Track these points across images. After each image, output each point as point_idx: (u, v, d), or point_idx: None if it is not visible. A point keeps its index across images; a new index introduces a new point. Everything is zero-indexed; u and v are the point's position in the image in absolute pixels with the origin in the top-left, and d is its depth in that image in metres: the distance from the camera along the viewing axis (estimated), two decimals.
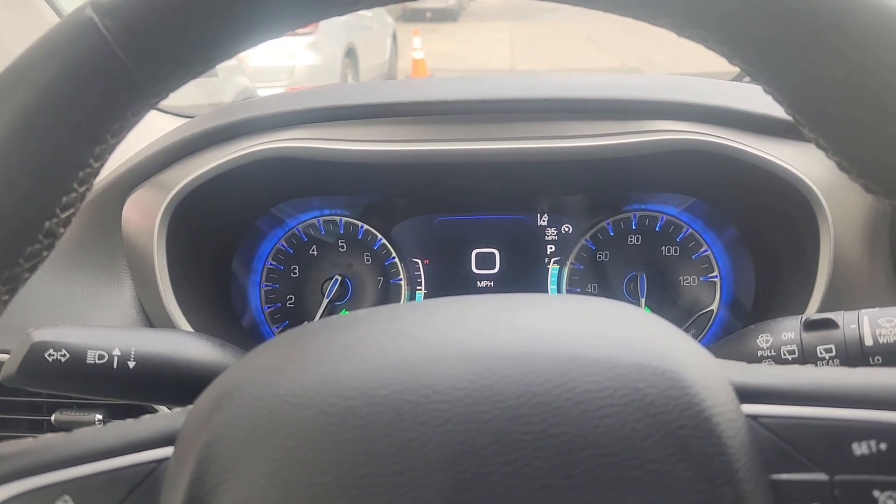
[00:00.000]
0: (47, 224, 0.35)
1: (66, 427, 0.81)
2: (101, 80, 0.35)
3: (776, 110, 0.82)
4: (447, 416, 0.32)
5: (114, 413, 0.84)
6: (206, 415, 0.35)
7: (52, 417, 0.82)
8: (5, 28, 1.12)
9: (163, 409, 0.80)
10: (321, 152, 0.86)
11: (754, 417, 0.34)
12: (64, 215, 0.36)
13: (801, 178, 0.78)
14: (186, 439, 0.35)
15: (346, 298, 1.02)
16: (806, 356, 0.58)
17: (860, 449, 0.33)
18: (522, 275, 1.03)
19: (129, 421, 0.38)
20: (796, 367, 0.40)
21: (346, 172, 0.90)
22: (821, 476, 0.33)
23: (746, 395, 0.35)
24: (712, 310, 0.98)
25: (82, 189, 0.36)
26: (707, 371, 0.35)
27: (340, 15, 0.38)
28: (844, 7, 0.33)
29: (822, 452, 0.33)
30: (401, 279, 1.02)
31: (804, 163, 0.80)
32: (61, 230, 0.36)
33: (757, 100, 0.85)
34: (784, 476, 0.33)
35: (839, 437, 0.33)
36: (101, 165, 0.37)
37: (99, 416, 0.82)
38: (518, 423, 0.32)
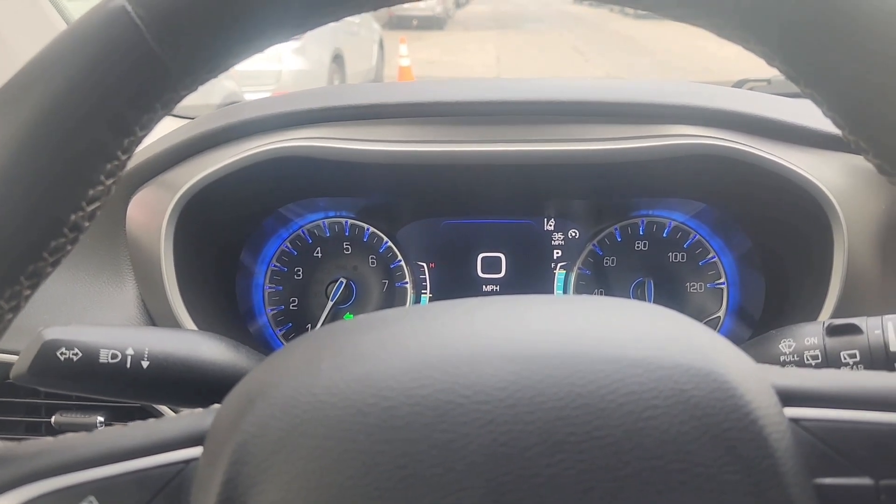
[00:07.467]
0: (73, 217, 0.34)
1: (66, 429, 0.80)
2: (132, 71, 0.34)
3: (789, 117, 0.83)
4: (489, 417, 0.31)
5: (115, 416, 0.82)
6: (237, 414, 0.34)
7: (52, 419, 0.80)
8: (9, 28, 1.10)
9: (168, 412, 0.78)
10: (329, 152, 0.85)
11: (796, 421, 0.34)
12: (90, 208, 0.35)
13: (817, 184, 0.78)
14: (217, 439, 0.34)
15: (350, 301, 1.01)
16: (830, 361, 0.58)
17: None
18: (528, 280, 1.02)
19: (154, 420, 0.38)
20: (835, 370, 0.40)
21: (352, 173, 0.89)
22: (866, 480, 0.33)
23: (788, 398, 0.35)
24: (719, 317, 0.98)
25: (109, 182, 0.36)
26: (749, 373, 0.35)
27: (372, 10, 0.38)
28: (887, 11, 0.32)
29: (867, 457, 0.33)
30: (406, 282, 1.01)
31: (818, 169, 0.80)
32: (86, 223, 0.36)
33: (770, 106, 0.85)
34: (828, 480, 0.33)
35: (884, 441, 0.33)
36: (129, 158, 0.37)
37: (100, 419, 0.80)
38: (562, 425, 0.31)
